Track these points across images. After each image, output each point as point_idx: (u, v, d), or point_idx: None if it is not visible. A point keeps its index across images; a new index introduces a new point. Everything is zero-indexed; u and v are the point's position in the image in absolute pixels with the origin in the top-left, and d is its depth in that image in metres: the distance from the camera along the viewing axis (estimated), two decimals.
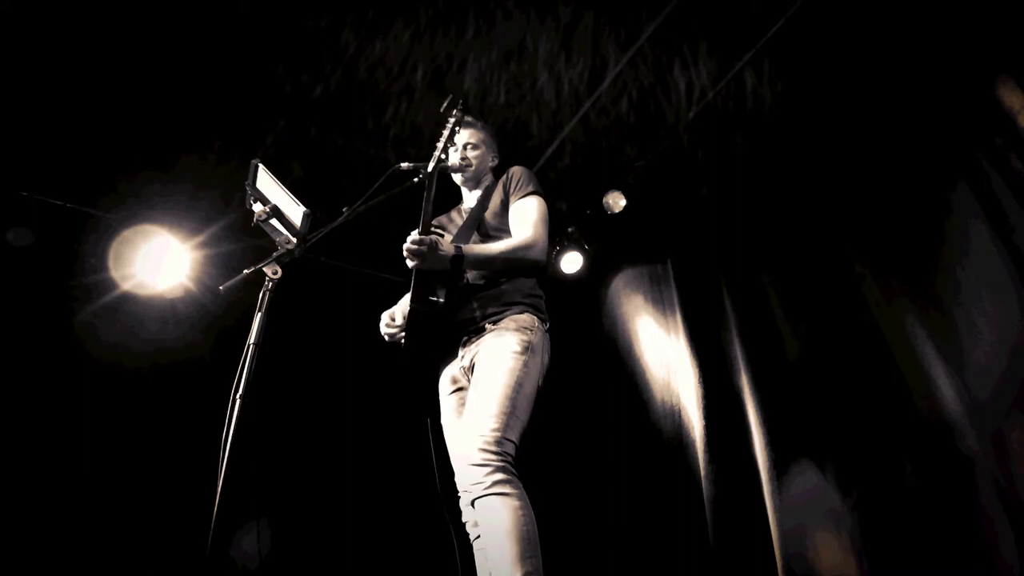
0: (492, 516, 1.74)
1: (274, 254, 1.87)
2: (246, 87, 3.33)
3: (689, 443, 3.56)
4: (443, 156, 2.16)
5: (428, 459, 2.21)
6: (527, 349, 2.01)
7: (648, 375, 3.99)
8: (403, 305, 2.34)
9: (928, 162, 2.93)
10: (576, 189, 4.20)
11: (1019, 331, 2.47)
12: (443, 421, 2.20)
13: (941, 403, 2.64)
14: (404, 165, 2.19)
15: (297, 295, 3.76)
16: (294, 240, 1.91)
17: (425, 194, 2.12)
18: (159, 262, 3.88)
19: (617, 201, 4.08)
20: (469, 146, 2.49)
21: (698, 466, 3.43)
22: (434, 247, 2.02)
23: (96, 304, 3.78)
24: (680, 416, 3.69)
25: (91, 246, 3.81)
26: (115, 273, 3.83)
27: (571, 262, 4.44)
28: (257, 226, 1.93)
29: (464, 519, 2.03)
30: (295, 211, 1.91)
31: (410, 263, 2.06)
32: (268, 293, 1.82)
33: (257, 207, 1.93)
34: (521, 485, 1.80)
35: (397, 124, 3.56)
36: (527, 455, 1.93)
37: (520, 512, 1.73)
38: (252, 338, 1.73)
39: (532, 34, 3.18)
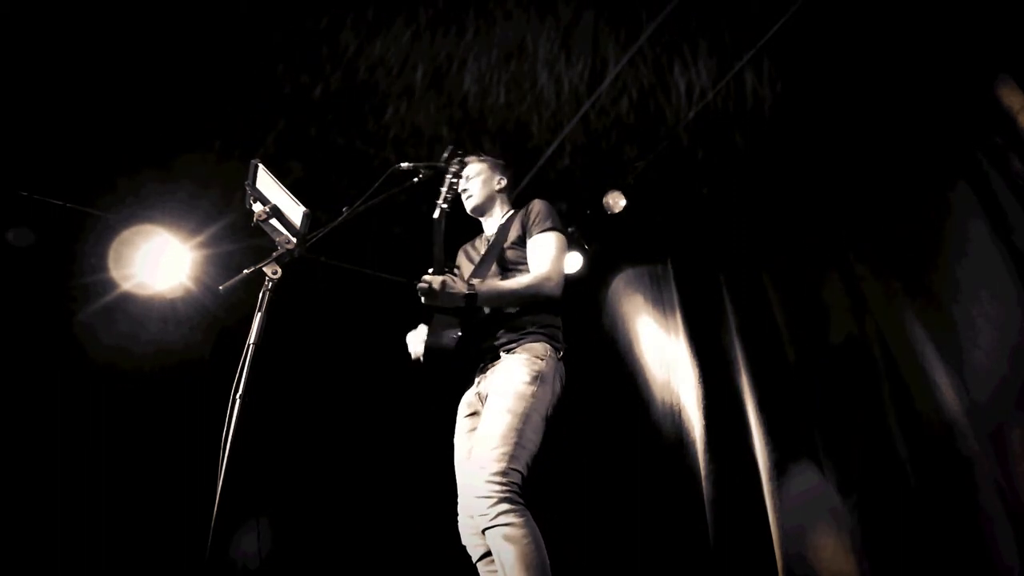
0: (500, 548, 1.80)
1: (274, 254, 1.87)
2: (246, 87, 3.33)
3: (689, 443, 3.56)
4: (445, 206, 2.23)
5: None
6: (536, 378, 2.04)
7: (648, 375, 3.99)
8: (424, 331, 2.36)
9: (928, 162, 2.93)
10: (576, 189, 4.20)
11: (1019, 331, 2.48)
12: (455, 441, 2.26)
13: (941, 403, 2.64)
14: (404, 165, 2.20)
15: (297, 295, 3.76)
16: (294, 240, 1.91)
17: (434, 238, 2.17)
18: (159, 262, 3.87)
19: (617, 201, 4.08)
20: (468, 179, 2.53)
21: (698, 466, 3.43)
22: (445, 287, 2.05)
23: (96, 304, 3.78)
24: (680, 416, 3.69)
25: (91, 246, 3.81)
26: (115, 273, 3.83)
27: (571, 262, 4.43)
28: (257, 226, 1.94)
29: (464, 542, 2.10)
30: (295, 211, 1.92)
31: (423, 301, 2.08)
32: (268, 293, 1.82)
33: (257, 207, 1.93)
34: (527, 513, 1.85)
35: (397, 124, 3.55)
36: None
37: (525, 542, 1.78)
38: (252, 338, 1.73)
39: (532, 34, 3.18)
